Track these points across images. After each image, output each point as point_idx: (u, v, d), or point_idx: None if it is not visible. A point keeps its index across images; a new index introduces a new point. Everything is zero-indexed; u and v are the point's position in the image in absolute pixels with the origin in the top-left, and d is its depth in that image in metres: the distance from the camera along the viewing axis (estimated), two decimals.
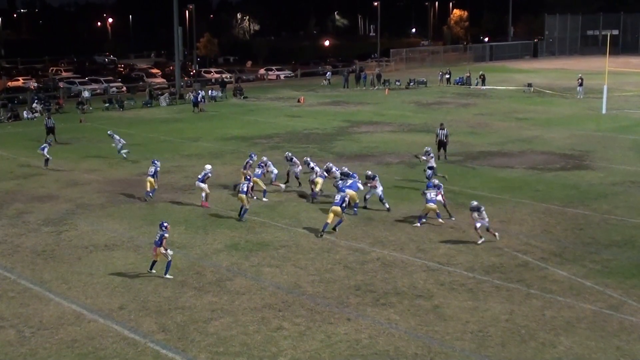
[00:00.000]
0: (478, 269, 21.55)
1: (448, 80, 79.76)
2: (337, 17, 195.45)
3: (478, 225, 23.86)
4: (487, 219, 23.89)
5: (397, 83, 78.45)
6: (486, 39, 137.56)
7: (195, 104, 60.78)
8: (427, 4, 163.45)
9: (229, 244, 24.18)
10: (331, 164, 30.83)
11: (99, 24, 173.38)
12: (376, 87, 78.12)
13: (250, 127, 50.51)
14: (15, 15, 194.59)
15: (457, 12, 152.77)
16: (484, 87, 74.62)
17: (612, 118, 52.24)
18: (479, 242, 23.85)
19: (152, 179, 29.82)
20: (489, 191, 30.02)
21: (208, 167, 29.40)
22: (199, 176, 29.04)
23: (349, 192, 26.66)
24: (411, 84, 77.85)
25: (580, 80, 65.41)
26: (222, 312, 18.59)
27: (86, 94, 65.80)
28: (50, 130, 44.13)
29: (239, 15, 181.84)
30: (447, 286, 20.26)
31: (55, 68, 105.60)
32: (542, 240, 24.28)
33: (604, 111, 54.49)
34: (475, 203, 24.23)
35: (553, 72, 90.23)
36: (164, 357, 16.34)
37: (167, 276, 21.02)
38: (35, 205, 29.69)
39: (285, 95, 72.52)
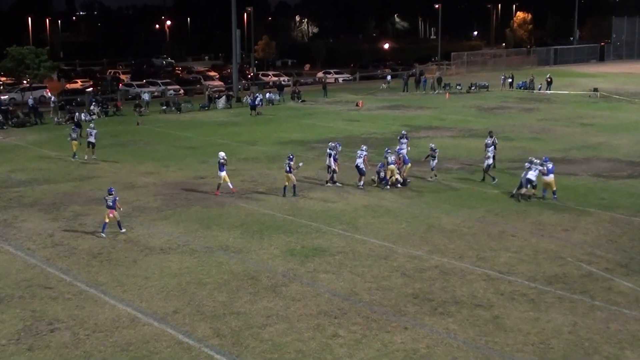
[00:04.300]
0: (540, 279, 20.99)
1: (510, 84, 78.71)
2: (397, 19, 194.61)
3: None
4: None
5: (458, 87, 77.63)
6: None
7: (253, 107, 60.85)
8: (489, 6, 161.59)
9: (285, 250, 23.99)
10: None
11: (156, 26, 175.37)
12: (436, 91, 77.35)
13: (308, 131, 50.38)
14: (74, 18, 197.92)
15: (520, 15, 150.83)
16: (548, 92, 73.37)
17: None
18: None
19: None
20: (551, 199, 29.37)
21: None
22: None
23: (548, 179, 29.27)
24: (472, 88, 76.96)
25: None
26: (277, 318, 18.40)
27: (146, 96, 65.96)
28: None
29: (297, 18, 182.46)
30: (507, 296, 19.76)
31: (113, 70, 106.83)
32: (607, 250, 23.57)
33: None
34: None
35: (620, 77, 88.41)
36: None
37: (122, 230, 25.58)
38: (92, 207, 29.87)
39: (343, 98, 72.31)
